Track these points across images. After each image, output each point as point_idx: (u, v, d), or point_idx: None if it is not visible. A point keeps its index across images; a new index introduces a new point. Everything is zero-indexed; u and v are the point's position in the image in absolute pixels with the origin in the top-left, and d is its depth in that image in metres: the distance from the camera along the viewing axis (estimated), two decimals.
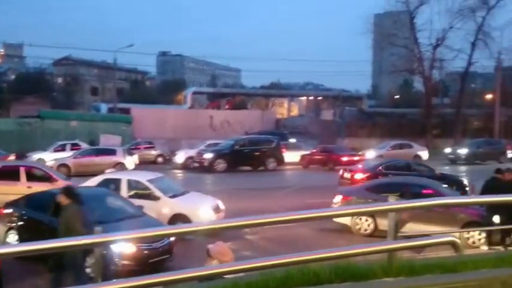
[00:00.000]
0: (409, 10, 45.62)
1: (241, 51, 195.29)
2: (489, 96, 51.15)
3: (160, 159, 32.96)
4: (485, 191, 11.27)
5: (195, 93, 60.41)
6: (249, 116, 50.58)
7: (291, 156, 31.44)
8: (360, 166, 20.65)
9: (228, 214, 12.92)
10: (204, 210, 12.58)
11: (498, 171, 12.03)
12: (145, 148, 33.49)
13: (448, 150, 36.11)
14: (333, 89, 72.91)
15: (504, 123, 43.40)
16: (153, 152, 33.37)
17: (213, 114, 48.75)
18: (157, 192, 12.75)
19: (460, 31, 45.33)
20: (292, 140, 36.94)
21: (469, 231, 11.43)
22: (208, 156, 28.13)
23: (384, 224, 10.86)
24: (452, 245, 4.47)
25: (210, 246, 4.76)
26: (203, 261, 4.71)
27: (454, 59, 46.45)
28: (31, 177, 15.59)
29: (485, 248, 10.97)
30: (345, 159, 29.82)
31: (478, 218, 11.36)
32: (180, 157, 30.31)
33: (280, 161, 29.73)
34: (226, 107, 60.29)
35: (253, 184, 23.28)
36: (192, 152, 30.02)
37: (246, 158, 28.77)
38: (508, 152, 34.80)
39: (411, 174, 18.15)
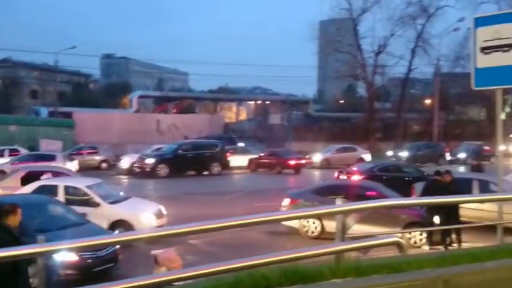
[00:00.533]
0: (352, 18, 46.84)
1: (190, 54, 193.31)
2: (428, 101, 53.19)
3: (104, 165, 32.03)
4: (425, 193, 11.69)
5: (141, 96, 59.31)
6: (197, 120, 50.18)
7: (239, 160, 31.48)
8: (355, 168, 21.29)
9: (172, 220, 12.75)
10: (146, 216, 12.36)
11: (437, 173, 12.52)
12: (89, 153, 32.48)
13: (390, 153, 37.31)
14: (281, 93, 73.72)
15: (442, 127, 45.33)
16: (97, 158, 32.44)
17: (160, 118, 48.05)
18: (97, 199, 12.42)
19: (401, 38, 47.13)
20: (241, 144, 37.00)
21: (410, 232, 11.81)
22: (150, 161, 27.48)
23: (330, 225, 11.05)
24: (397, 245, 4.58)
25: (157, 252, 4.65)
26: (151, 268, 4.59)
27: (395, 65, 48.22)
28: None
29: (426, 247, 11.37)
30: (292, 162, 30.21)
31: (419, 219, 11.77)
32: (124, 162, 29.55)
33: (225, 165, 29.46)
34: (174, 111, 59.55)
35: (197, 189, 22.97)
36: (137, 157, 29.46)
37: (190, 163, 28.28)
38: (446, 154, 36.34)
39: (401, 175, 19.43)
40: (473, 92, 8.69)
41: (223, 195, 20.13)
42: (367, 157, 34.82)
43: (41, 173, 16.24)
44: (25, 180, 14.97)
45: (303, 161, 31.20)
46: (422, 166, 32.98)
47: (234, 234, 11.14)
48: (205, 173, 28.66)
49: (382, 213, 11.01)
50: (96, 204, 12.30)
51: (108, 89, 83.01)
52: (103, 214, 12.08)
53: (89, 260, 8.87)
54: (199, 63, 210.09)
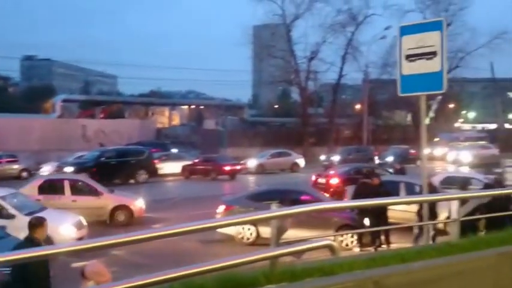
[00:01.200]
0: (285, 23, 47.65)
1: (118, 57, 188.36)
2: (358, 107, 55.05)
3: (24, 174, 29.64)
4: (356, 195, 12.05)
5: (65, 100, 55.94)
6: (127, 125, 48.66)
7: (172, 167, 30.95)
8: (332, 172, 21.60)
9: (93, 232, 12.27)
10: (65, 227, 11.89)
11: (367, 176, 12.94)
12: (7, 162, 30.51)
13: (323, 157, 38.20)
14: (216, 98, 73.61)
15: (371, 131, 47.06)
16: (16, 166, 30.42)
17: (86, 124, 46.03)
18: (12, 210, 11.82)
19: (332, 45, 48.52)
20: (174, 150, 36.46)
21: (342, 234, 12.11)
22: (69, 170, 25.47)
23: (265, 231, 11.11)
24: (330, 248, 4.66)
25: (85, 266, 4.44)
26: (78, 283, 4.38)
27: (327, 71, 49.49)
28: (76, 190, 15.74)
29: (357, 249, 11.69)
30: (227, 168, 30.12)
31: (351, 221, 12.11)
32: (45, 171, 27.45)
33: (153, 172, 28.42)
34: (101, 116, 57.53)
35: None
36: (56, 166, 27.62)
37: (114, 171, 26.68)
38: (375, 158, 37.70)
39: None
40: (399, 97, 9.05)
41: (155, 204, 18.92)
42: (301, 162, 35.41)
43: (60, 181, 16.31)
44: None
45: (238, 167, 31.21)
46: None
47: (166, 244, 10.87)
48: (132, 181, 27.34)
49: (316, 217, 11.24)
50: (11, 216, 11.69)
51: (29, 92, 78.63)
52: (18, 226, 11.11)
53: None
54: (129, 65, 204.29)
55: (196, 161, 31.63)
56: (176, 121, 68.42)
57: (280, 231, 4.67)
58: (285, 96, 73.77)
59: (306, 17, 47.54)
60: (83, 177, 18.28)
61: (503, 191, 9.19)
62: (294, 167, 34.53)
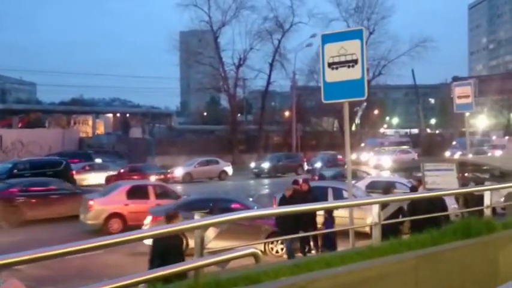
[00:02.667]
0: (212, 30, 47.62)
1: (38, 64, 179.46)
2: (287, 114, 55.99)
3: None
4: (284, 202, 12.09)
5: None
6: (48, 135, 46.39)
7: (96, 178, 29.77)
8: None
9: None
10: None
11: (295, 182, 13.03)
12: None
13: (252, 164, 38.38)
14: (142, 105, 72.12)
15: (300, 138, 47.97)
16: None
17: (2, 134, 43.38)
18: None
19: (260, 52, 49.14)
20: (98, 160, 35.13)
21: (272, 242, 12.11)
22: None
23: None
24: (254, 256, 4.61)
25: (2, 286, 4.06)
26: None
27: (255, 78, 50.06)
28: (158, 195, 16.39)
29: (286, 256, 11.72)
30: (154, 178, 29.41)
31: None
32: None
33: (71, 184, 27.35)
34: (19, 125, 54.66)
35: (42, 213, 18.36)
36: None
37: None
38: (304, 164, 38.44)
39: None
40: (326, 104, 9.20)
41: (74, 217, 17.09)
42: (229, 170, 35.24)
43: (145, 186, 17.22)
44: None
45: (163, 176, 30.60)
46: (283, 176, 34.60)
47: (90, 258, 10.36)
48: None
49: (246, 225, 11.17)
50: None
51: None
52: None
53: None
54: (49, 72, 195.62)
55: (122, 171, 30.56)
56: (101, 130, 66.06)
57: (205, 240, 4.55)
58: (214, 103, 73.71)
59: (233, 24, 47.90)
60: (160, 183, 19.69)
61: (424, 194, 9.58)
62: (222, 175, 34.35)
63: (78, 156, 33.70)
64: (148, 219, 12.99)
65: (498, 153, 34.33)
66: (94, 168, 31.38)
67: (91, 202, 15.62)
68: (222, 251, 4.86)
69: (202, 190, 25.44)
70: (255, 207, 13.51)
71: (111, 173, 30.41)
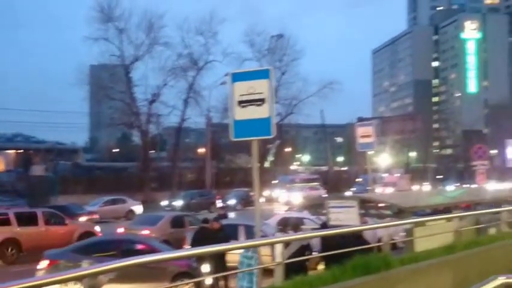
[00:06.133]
0: (124, 64, 46.67)
1: None
2: (201, 150, 55.66)
3: None
4: (194, 241, 11.67)
5: None
6: None
7: None
8: None
9: None
10: None
11: (205, 221, 12.69)
12: None
13: (164, 202, 37.34)
14: (47, 141, 68.04)
15: (214, 175, 47.71)
16: None
17: None
18: None
19: (174, 88, 48.76)
20: None
21: (177, 285, 11.55)
22: None
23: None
24: None
25: None
26: None
27: (169, 114, 49.38)
28: None
29: None
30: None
31: (188, 269, 11.63)
32: None
33: None
34: None
35: None
36: None
37: None
38: (218, 201, 38.06)
39: None
40: (240, 141, 9.15)
41: None
42: (138, 209, 33.88)
43: None
44: None
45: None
46: (196, 214, 33.80)
47: None
48: None
49: (148, 267, 10.57)
50: None
51: None
52: None
53: None
54: None
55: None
56: (1, 167, 61.34)
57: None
58: (125, 139, 71.62)
59: (146, 60, 47.25)
60: None
61: (333, 231, 9.60)
62: (129, 214, 32.94)
63: None
64: (43, 264, 11.92)
65: (389, 190, 36.06)
66: None
67: None
68: None
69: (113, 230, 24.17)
70: (163, 248, 12.92)
71: None
